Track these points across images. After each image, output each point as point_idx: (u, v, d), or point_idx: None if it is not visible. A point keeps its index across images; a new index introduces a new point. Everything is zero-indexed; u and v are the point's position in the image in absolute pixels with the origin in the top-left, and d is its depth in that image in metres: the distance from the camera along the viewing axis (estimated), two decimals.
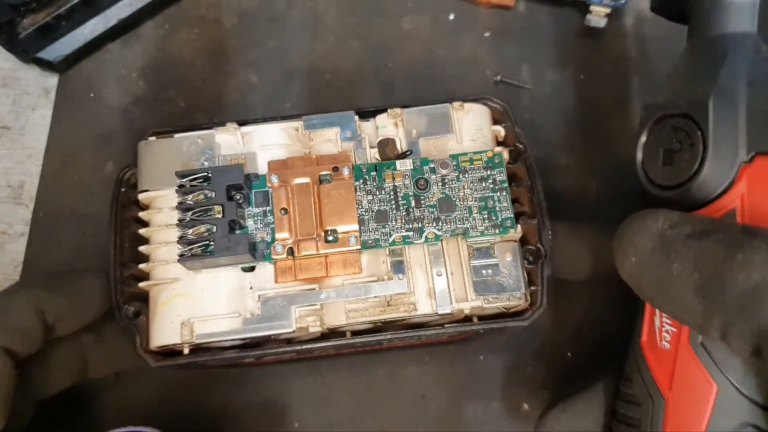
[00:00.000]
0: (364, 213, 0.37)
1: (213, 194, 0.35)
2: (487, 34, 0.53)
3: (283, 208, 0.36)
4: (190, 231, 0.35)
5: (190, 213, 0.35)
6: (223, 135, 0.39)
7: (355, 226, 0.36)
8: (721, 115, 0.30)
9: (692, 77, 0.33)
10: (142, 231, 0.37)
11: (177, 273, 0.36)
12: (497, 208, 0.37)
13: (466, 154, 0.38)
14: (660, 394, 0.30)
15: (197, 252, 0.34)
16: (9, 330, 0.33)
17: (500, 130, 0.40)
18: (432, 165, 0.37)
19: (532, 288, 0.37)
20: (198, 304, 0.36)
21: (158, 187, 0.37)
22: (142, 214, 0.38)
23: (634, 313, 0.35)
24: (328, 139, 0.39)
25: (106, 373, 0.40)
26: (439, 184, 0.37)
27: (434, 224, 0.36)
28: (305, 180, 0.37)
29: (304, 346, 0.36)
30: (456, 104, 0.39)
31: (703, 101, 0.30)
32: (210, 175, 0.35)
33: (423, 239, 0.36)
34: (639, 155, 0.35)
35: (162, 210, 0.37)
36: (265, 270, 0.36)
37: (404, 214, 0.37)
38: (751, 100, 0.30)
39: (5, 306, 0.34)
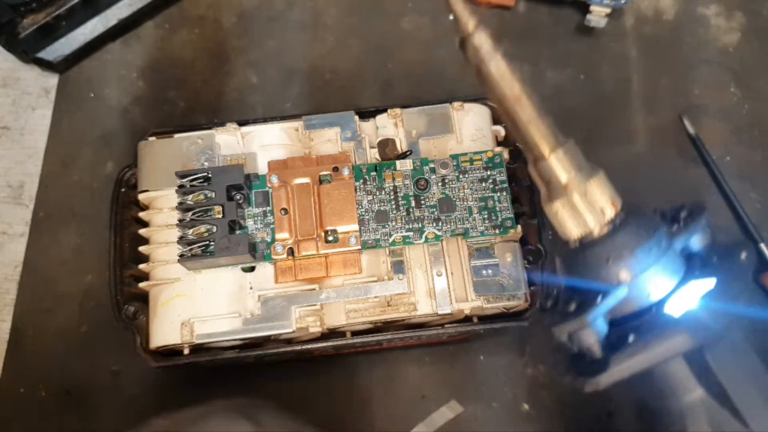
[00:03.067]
0: (364, 213, 0.37)
1: (213, 194, 0.35)
2: None
3: (283, 209, 0.36)
4: (190, 231, 0.35)
5: (190, 213, 0.35)
6: (223, 135, 0.39)
7: (355, 226, 0.36)
8: None
9: None
10: (142, 231, 0.37)
11: (177, 273, 0.36)
12: (497, 209, 0.37)
13: (466, 154, 0.38)
14: None
15: (197, 252, 0.34)
16: None
17: (500, 130, 0.40)
18: (432, 165, 0.37)
19: (532, 288, 0.37)
20: (198, 304, 0.36)
21: (158, 187, 0.37)
22: (142, 215, 0.38)
23: None
24: (328, 139, 0.39)
25: None
26: (439, 184, 0.37)
27: (434, 224, 0.36)
28: (305, 180, 0.37)
29: (304, 346, 0.36)
30: (456, 104, 0.39)
31: None
32: (210, 175, 0.35)
33: (423, 239, 0.36)
34: None
35: (162, 210, 0.37)
36: (265, 270, 0.36)
37: (404, 214, 0.37)
38: None
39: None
